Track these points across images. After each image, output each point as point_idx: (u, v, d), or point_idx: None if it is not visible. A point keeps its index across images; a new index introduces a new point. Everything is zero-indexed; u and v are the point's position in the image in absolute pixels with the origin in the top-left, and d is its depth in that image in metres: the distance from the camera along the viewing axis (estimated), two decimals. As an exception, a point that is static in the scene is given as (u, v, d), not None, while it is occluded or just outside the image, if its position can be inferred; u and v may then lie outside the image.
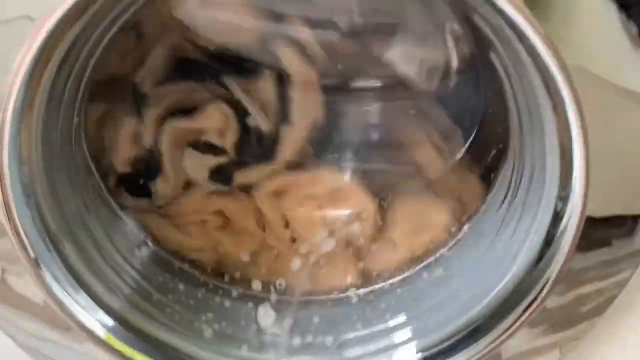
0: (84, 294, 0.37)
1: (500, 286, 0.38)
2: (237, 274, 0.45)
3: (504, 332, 0.38)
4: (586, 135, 0.32)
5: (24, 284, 0.39)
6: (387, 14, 0.44)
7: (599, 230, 0.39)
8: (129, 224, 0.44)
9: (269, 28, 0.44)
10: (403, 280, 0.45)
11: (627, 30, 0.32)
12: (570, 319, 0.41)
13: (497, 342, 0.38)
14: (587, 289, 0.40)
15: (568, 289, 0.40)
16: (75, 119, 0.39)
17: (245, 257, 0.45)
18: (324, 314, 0.44)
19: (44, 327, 0.39)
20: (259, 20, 0.43)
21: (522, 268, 0.37)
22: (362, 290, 0.45)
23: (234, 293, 0.44)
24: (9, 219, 0.34)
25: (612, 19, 0.31)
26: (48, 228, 0.36)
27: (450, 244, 0.44)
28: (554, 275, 0.36)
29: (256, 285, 0.44)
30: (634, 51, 0.32)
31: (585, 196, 0.33)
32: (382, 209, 0.46)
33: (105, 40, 0.38)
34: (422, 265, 0.45)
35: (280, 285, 0.45)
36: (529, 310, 0.37)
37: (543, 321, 0.40)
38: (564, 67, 0.30)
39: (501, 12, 0.30)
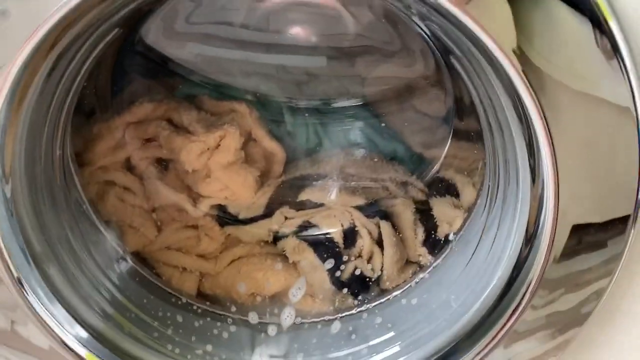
0: (62, 309, 0.38)
1: (487, 291, 0.38)
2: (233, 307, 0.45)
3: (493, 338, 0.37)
4: (549, 128, 0.31)
5: (28, 331, 0.38)
6: (370, 38, 0.45)
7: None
8: (109, 239, 0.44)
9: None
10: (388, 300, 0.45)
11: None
12: (573, 321, 0.40)
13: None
14: (587, 291, 0.39)
15: (567, 291, 0.39)
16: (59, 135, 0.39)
17: (242, 289, 0.46)
18: (317, 336, 0.44)
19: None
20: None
21: (506, 270, 0.37)
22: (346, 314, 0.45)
23: (232, 327, 0.44)
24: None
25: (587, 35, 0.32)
26: (32, 249, 0.37)
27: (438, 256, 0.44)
28: (536, 275, 0.35)
29: (252, 317, 0.45)
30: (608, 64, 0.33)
31: (557, 190, 0.33)
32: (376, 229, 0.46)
33: (90, 59, 0.38)
34: (404, 289, 0.45)
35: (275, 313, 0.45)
36: (516, 314, 0.36)
37: (546, 326, 0.39)
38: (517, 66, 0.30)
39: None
